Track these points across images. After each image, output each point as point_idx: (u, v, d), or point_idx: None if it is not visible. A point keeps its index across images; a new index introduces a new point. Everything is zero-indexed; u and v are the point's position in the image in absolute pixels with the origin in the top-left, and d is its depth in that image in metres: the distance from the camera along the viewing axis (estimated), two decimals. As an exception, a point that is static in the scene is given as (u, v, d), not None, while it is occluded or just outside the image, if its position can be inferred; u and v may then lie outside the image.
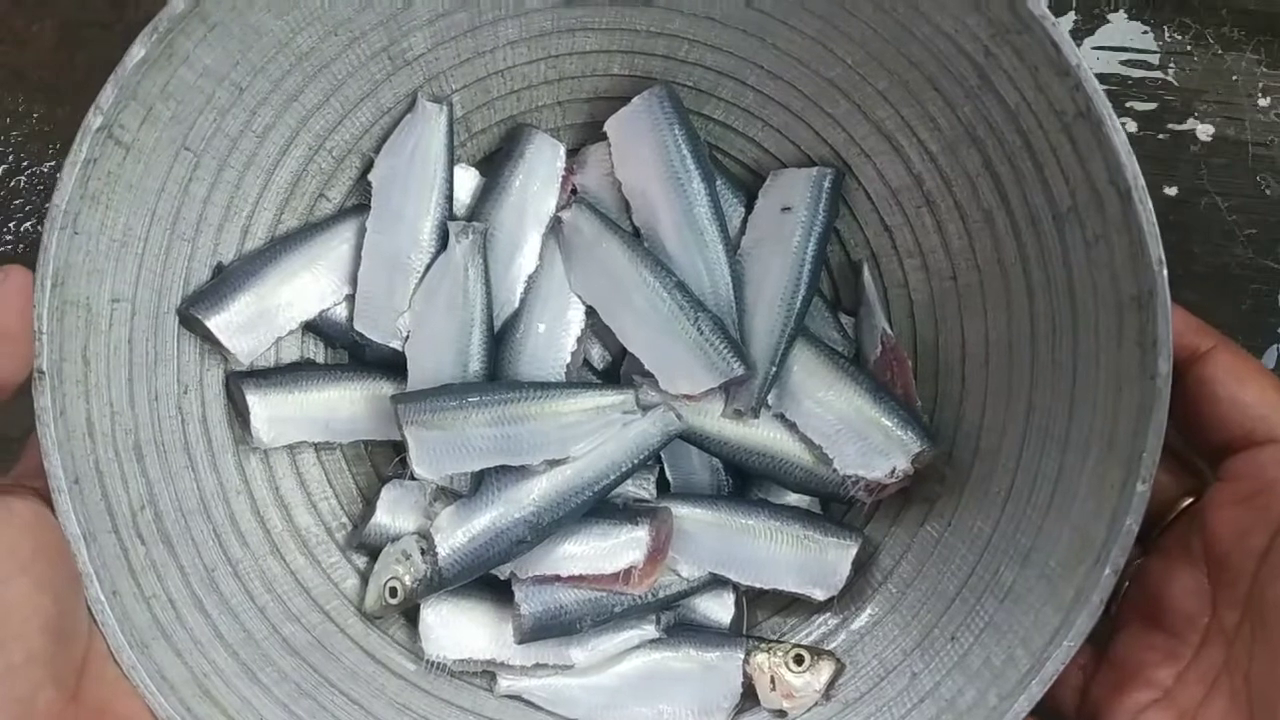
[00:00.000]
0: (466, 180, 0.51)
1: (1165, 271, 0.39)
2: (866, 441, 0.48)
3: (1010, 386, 0.47)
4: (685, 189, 0.49)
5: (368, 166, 0.50)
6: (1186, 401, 0.40)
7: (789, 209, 0.49)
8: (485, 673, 0.49)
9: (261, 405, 0.48)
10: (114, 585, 0.41)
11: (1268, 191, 0.57)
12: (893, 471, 0.48)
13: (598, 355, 0.52)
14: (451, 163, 0.50)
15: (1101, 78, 0.58)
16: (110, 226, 0.42)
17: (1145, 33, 0.58)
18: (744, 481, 0.52)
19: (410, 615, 0.50)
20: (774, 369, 0.48)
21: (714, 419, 0.49)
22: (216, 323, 0.46)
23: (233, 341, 0.47)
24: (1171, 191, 0.58)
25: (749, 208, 0.51)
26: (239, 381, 0.48)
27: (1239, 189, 0.58)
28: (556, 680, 0.49)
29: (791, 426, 0.49)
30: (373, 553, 0.50)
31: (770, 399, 0.49)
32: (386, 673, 0.48)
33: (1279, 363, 0.58)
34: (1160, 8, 0.58)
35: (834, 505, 0.52)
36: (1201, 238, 0.58)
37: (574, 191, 0.51)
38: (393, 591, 0.48)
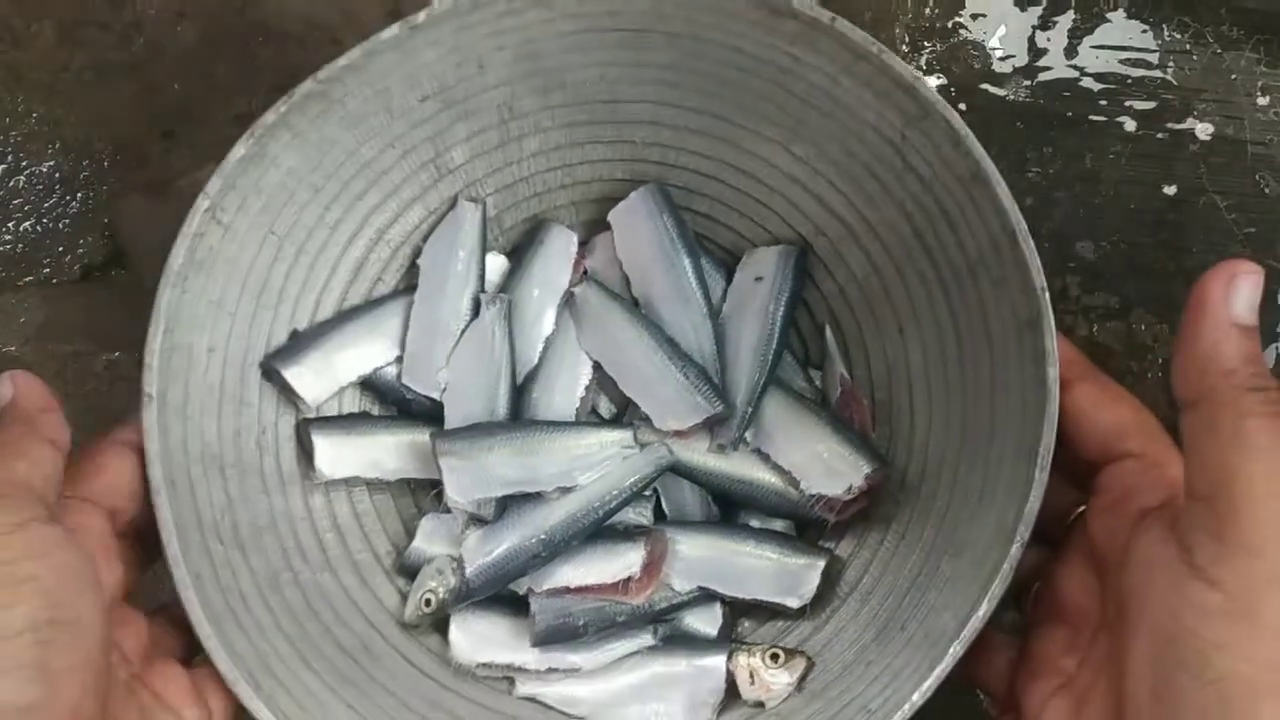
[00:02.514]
0: (497, 265, 0.62)
1: (1048, 296, 0.47)
2: (828, 465, 0.56)
3: (949, 418, 0.54)
4: (675, 265, 0.59)
5: (416, 254, 0.61)
6: (1060, 426, 0.46)
7: (761, 279, 0.59)
8: (505, 677, 0.57)
9: (325, 444, 0.57)
10: (197, 570, 0.49)
11: (1266, 190, 0.56)
12: (850, 489, 0.55)
13: (605, 407, 0.61)
14: (484, 250, 0.60)
15: (1100, 77, 0.59)
16: (209, 290, 0.53)
17: (1144, 31, 0.58)
18: (730, 511, 0.60)
19: (441, 628, 0.57)
20: (750, 409, 0.57)
21: (700, 453, 0.58)
22: (291, 372, 0.56)
23: (303, 388, 0.57)
24: (1170, 190, 0.57)
25: (729, 281, 0.61)
26: (307, 426, 0.58)
27: (1238, 188, 0.58)
28: (565, 684, 0.56)
29: (766, 458, 0.57)
30: (412, 575, 0.58)
31: (747, 436, 0.57)
32: (420, 674, 0.56)
33: (1278, 361, 0.57)
34: (1159, 6, 0.58)
35: (809, 532, 0.59)
36: (1200, 237, 0.57)
37: (585, 272, 0.62)
38: (428, 601, 0.56)
